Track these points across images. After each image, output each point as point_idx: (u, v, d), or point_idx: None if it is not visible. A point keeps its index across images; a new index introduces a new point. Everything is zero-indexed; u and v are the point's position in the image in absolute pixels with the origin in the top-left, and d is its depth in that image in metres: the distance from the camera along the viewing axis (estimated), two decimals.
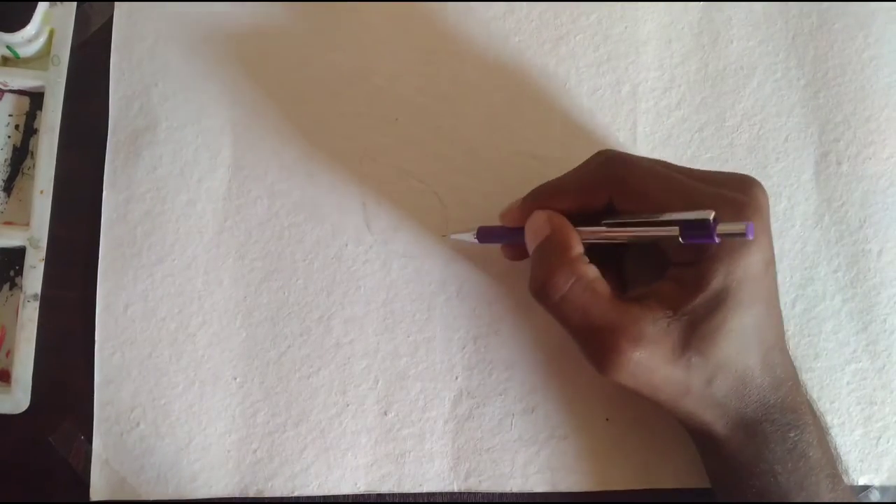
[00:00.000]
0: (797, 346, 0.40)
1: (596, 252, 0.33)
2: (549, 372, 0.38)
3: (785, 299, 0.40)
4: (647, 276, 0.33)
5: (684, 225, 0.29)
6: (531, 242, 0.33)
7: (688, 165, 0.40)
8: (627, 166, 0.32)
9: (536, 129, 0.39)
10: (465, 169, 0.39)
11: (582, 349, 0.32)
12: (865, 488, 0.39)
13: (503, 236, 0.35)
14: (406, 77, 0.39)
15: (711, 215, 0.28)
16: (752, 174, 0.40)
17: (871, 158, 0.41)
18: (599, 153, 0.34)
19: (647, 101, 0.40)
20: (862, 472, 0.39)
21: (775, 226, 0.40)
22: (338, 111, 0.39)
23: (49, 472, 0.35)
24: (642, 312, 0.30)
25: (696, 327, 0.30)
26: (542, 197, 0.34)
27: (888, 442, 0.39)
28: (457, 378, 0.37)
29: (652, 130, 0.40)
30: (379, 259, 0.38)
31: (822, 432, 0.33)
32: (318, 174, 0.38)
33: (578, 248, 0.32)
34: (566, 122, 0.40)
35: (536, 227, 0.33)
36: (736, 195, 0.31)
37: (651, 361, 0.30)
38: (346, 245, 0.38)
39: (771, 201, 0.40)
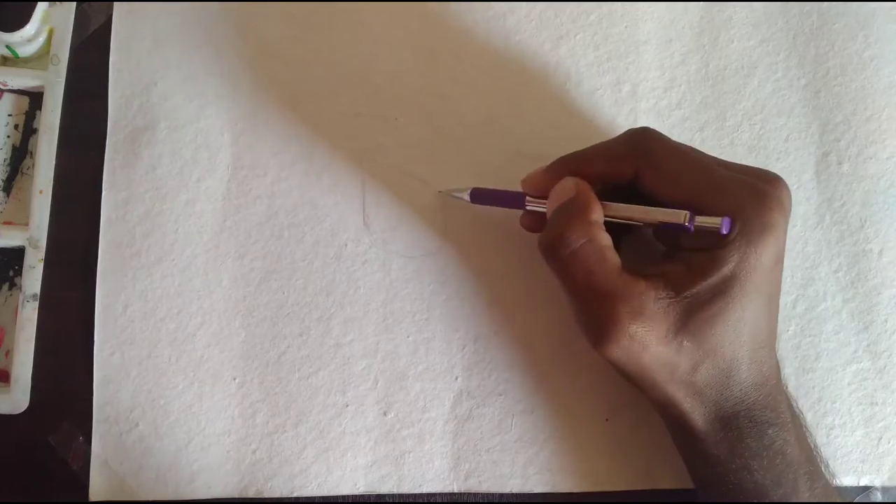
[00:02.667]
0: (798, 347, 0.39)
1: (610, 232, 0.33)
2: (549, 372, 0.38)
3: (786, 299, 0.40)
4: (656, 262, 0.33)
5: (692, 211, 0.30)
6: (553, 203, 0.33)
7: None
8: (656, 141, 0.32)
9: (536, 129, 0.39)
10: (466, 169, 0.39)
11: (579, 314, 0.32)
12: (867, 489, 0.39)
13: (500, 199, 0.35)
14: (406, 77, 0.39)
15: (722, 223, 0.29)
16: None
17: (871, 158, 0.41)
18: (631, 129, 0.34)
19: (647, 101, 0.40)
20: (863, 472, 0.39)
21: None
22: (338, 111, 0.38)
23: (48, 472, 0.35)
24: (646, 288, 0.30)
25: (695, 311, 0.30)
26: (568, 164, 0.33)
27: (889, 442, 0.39)
28: (457, 378, 0.37)
29: None
30: (378, 259, 0.38)
31: (800, 430, 0.33)
32: (317, 174, 0.38)
33: (598, 215, 0.32)
34: (566, 122, 0.40)
35: (562, 190, 0.33)
36: (760, 184, 0.31)
37: (645, 338, 0.30)
38: (346, 245, 0.38)
39: None
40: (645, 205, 0.32)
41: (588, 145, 0.39)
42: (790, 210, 0.32)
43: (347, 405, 0.37)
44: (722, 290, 0.30)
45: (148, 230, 0.37)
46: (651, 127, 0.33)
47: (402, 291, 0.38)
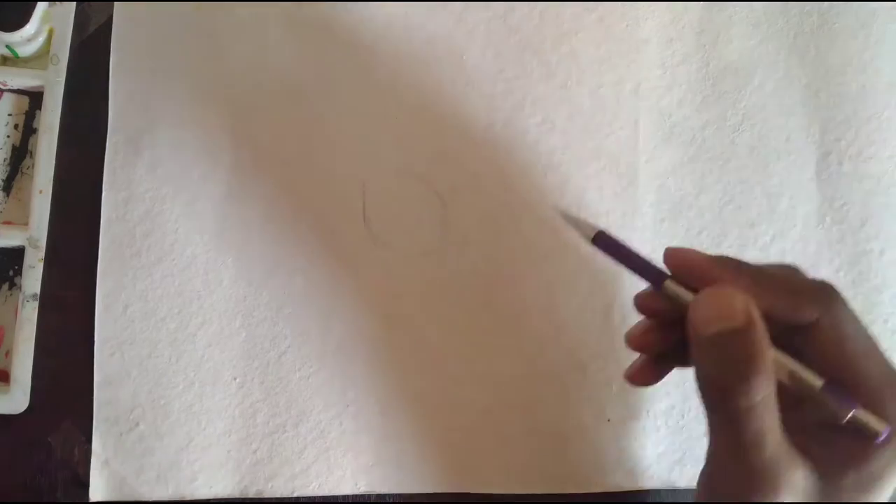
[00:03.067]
0: None
1: None
2: (551, 372, 0.38)
3: None
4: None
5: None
6: (711, 324, 0.26)
7: (689, 164, 0.40)
8: (842, 299, 0.28)
9: (537, 129, 0.39)
10: (466, 168, 0.39)
11: (727, 471, 0.27)
12: None
13: (631, 260, 0.29)
14: (406, 77, 0.39)
15: (883, 432, 0.26)
16: (754, 173, 0.40)
17: (872, 158, 0.41)
18: (820, 279, 0.29)
19: (648, 100, 0.40)
20: None
21: (776, 225, 0.40)
22: (338, 111, 0.38)
23: (49, 472, 0.35)
24: (803, 470, 0.26)
25: (834, 495, 0.27)
26: (741, 275, 0.28)
27: None
28: (457, 379, 0.37)
29: (654, 129, 0.40)
30: (379, 259, 0.38)
31: None
32: (317, 174, 0.38)
33: (771, 356, 0.26)
34: (568, 121, 0.40)
35: (728, 309, 0.26)
36: None
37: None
38: (346, 245, 0.38)
39: (773, 200, 0.40)
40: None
41: (588, 144, 0.39)
42: None
43: (348, 405, 0.37)
44: (865, 488, 0.27)
45: (148, 230, 0.37)
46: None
47: (402, 291, 0.38)
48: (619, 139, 0.40)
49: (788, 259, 0.40)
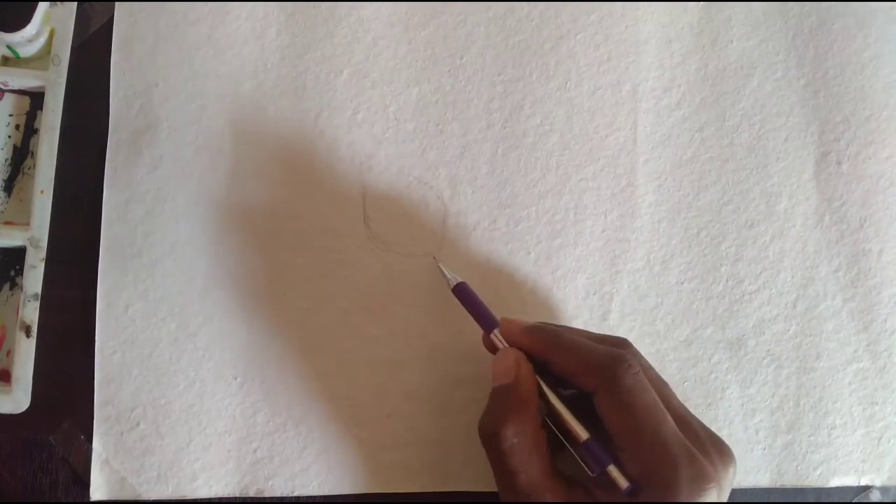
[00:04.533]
0: (798, 346, 0.40)
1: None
2: None
3: (786, 299, 0.40)
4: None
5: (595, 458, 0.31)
6: (494, 378, 0.33)
7: (688, 164, 0.40)
8: (630, 375, 0.31)
9: (537, 130, 0.39)
10: (466, 168, 0.39)
11: (501, 497, 0.32)
12: (867, 488, 0.39)
13: (476, 311, 0.35)
14: (406, 77, 0.39)
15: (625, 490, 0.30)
16: (752, 174, 0.40)
17: (871, 158, 0.41)
18: (617, 345, 0.33)
19: (647, 101, 0.40)
20: (863, 472, 0.39)
21: (775, 225, 0.40)
22: (337, 111, 0.39)
23: (50, 471, 0.35)
24: (562, 494, 0.30)
25: None
26: (547, 340, 0.33)
27: (889, 442, 0.39)
28: (458, 379, 0.37)
29: (652, 130, 0.40)
30: (379, 259, 0.38)
31: None
32: (317, 174, 0.38)
33: (534, 408, 0.32)
34: (566, 122, 0.40)
35: (504, 367, 0.33)
36: (704, 464, 0.30)
37: None
38: (346, 245, 0.38)
39: (772, 201, 0.40)
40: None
41: (587, 144, 0.39)
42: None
43: (348, 405, 0.37)
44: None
45: (149, 230, 0.37)
46: (634, 350, 0.33)
47: (402, 291, 0.38)
48: (618, 140, 0.40)
49: (788, 259, 0.40)
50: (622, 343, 0.33)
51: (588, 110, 0.40)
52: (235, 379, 0.36)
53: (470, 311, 0.35)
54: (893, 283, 0.41)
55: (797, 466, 0.39)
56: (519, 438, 0.31)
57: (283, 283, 0.37)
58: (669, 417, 0.31)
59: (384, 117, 0.39)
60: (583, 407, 0.32)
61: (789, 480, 0.39)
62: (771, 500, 0.39)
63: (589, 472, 0.31)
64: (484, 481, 0.37)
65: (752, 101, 0.41)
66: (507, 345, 0.34)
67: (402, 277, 0.38)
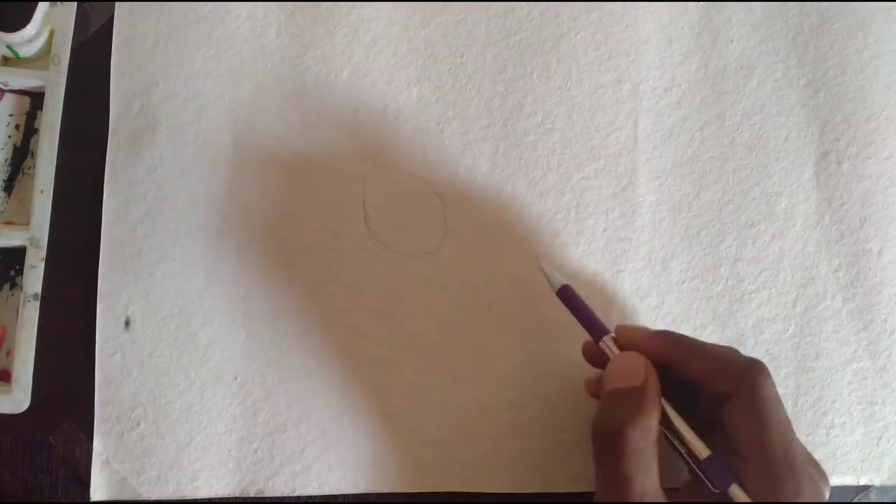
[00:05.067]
0: (798, 346, 0.40)
1: None
2: (549, 372, 0.38)
3: (786, 299, 0.40)
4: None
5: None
6: (617, 380, 0.31)
7: (689, 164, 0.40)
8: (768, 384, 0.31)
9: (537, 129, 0.39)
10: (466, 167, 0.39)
11: (600, 493, 0.31)
12: (866, 488, 0.39)
13: (582, 315, 0.34)
14: (406, 76, 0.39)
15: None
16: (753, 173, 0.40)
17: (871, 158, 0.41)
18: (752, 357, 0.32)
19: (647, 100, 0.40)
20: (863, 472, 0.39)
21: (775, 225, 0.40)
22: (337, 110, 0.39)
23: (50, 471, 0.35)
24: None
25: None
26: (675, 346, 0.32)
27: (889, 442, 0.39)
28: (457, 379, 0.37)
29: (653, 129, 0.40)
30: (379, 259, 0.38)
31: None
32: (317, 174, 0.38)
33: (657, 416, 0.31)
34: (567, 121, 0.40)
35: (631, 370, 0.31)
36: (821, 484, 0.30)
37: None
38: (346, 245, 0.38)
39: (772, 200, 0.40)
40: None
41: (587, 143, 0.39)
42: None
43: (348, 405, 0.37)
44: None
45: (149, 230, 0.37)
46: (766, 372, 0.32)
47: (402, 291, 0.38)
48: (619, 139, 0.40)
49: (788, 259, 0.40)
50: (750, 357, 0.33)
51: (589, 109, 0.40)
52: (235, 379, 0.36)
53: (577, 317, 0.34)
54: (893, 283, 0.41)
55: None
56: (645, 442, 0.30)
57: (283, 283, 0.37)
58: (794, 434, 0.30)
59: (384, 117, 0.39)
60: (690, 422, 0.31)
61: None
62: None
63: (712, 489, 0.30)
64: (484, 482, 0.37)
65: (753, 101, 0.41)
66: (618, 352, 0.33)
67: (402, 277, 0.38)
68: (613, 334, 0.33)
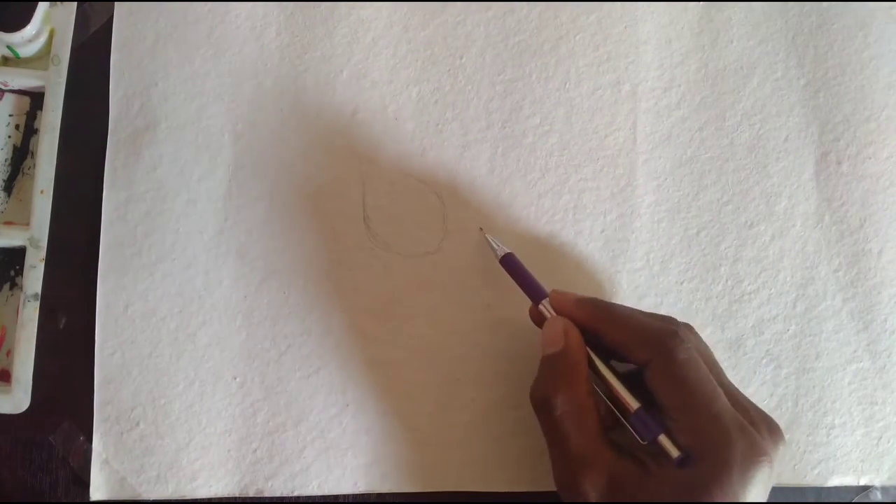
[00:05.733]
0: (798, 346, 0.40)
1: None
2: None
3: (786, 299, 0.40)
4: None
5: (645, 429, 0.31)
6: (544, 347, 0.33)
7: (688, 164, 0.40)
8: (682, 348, 0.32)
9: (536, 130, 0.39)
10: (466, 168, 0.39)
11: (553, 464, 0.33)
12: (866, 488, 0.39)
13: (523, 282, 0.35)
14: (406, 77, 0.39)
15: (676, 460, 0.30)
16: (752, 174, 0.41)
17: (871, 158, 0.41)
18: (670, 319, 0.34)
19: (647, 101, 0.40)
20: (863, 472, 0.39)
21: (775, 225, 0.40)
22: (337, 111, 0.39)
23: (50, 471, 0.35)
24: (612, 462, 0.31)
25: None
26: (597, 313, 0.33)
27: (889, 442, 0.39)
28: (458, 380, 0.37)
29: (652, 130, 0.40)
30: (379, 259, 0.38)
31: None
32: (317, 174, 0.38)
33: (583, 374, 0.32)
34: (566, 122, 0.40)
35: (553, 335, 0.33)
36: (755, 437, 0.31)
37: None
38: (346, 245, 0.38)
39: (771, 201, 0.40)
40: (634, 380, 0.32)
41: (587, 143, 0.39)
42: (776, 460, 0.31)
43: (348, 405, 0.37)
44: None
45: (149, 230, 0.37)
46: (690, 326, 0.34)
47: (402, 291, 0.38)
48: (617, 140, 0.40)
49: (787, 259, 0.40)
50: (674, 321, 0.34)
51: (587, 110, 0.40)
52: (235, 379, 0.36)
53: (518, 282, 0.36)
54: (893, 283, 0.41)
55: (795, 466, 0.39)
56: (570, 405, 0.32)
57: (283, 283, 0.37)
58: (722, 392, 0.31)
59: (384, 117, 0.39)
60: (634, 382, 0.32)
61: (787, 479, 0.39)
62: (770, 500, 0.39)
63: (640, 441, 0.31)
64: (484, 481, 0.37)
65: (752, 101, 0.41)
66: (555, 314, 0.34)
67: (402, 277, 0.38)
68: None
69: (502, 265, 0.36)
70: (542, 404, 0.32)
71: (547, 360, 0.33)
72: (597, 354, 0.33)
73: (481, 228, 0.38)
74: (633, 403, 0.32)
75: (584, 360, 0.33)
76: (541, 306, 0.35)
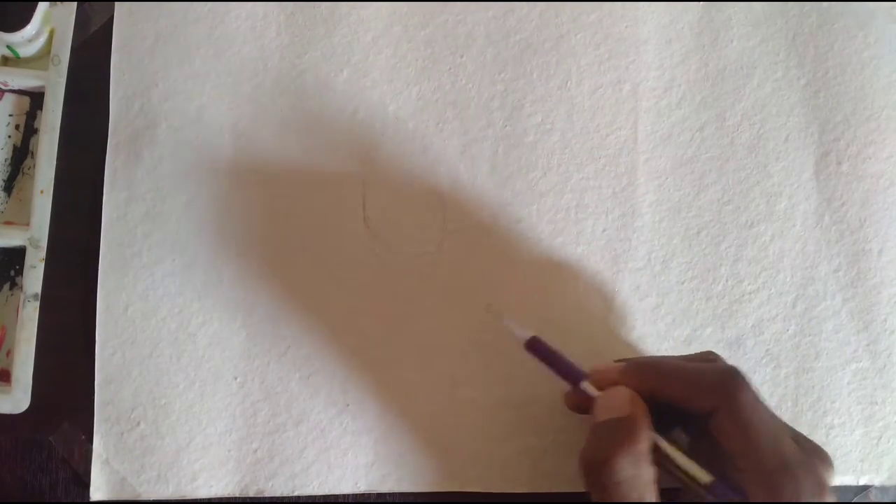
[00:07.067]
0: (798, 346, 0.40)
1: None
2: (547, 371, 0.38)
3: (785, 299, 0.40)
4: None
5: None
6: (603, 413, 0.32)
7: (689, 164, 0.40)
8: (746, 390, 0.31)
9: (537, 129, 0.39)
10: (466, 168, 0.39)
11: None
12: (866, 488, 0.39)
13: (556, 363, 0.33)
14: (406, 76, 0.39)
15: None
16: (753, 173, 0.40)
17: (871, 158, 0.41)
18: (724, 364, 0.33)
19: (647, 100, 0.40)
20: (862, 471, 0.39)
21: (775, 225, 0.40)
22: (337, 111, 0.39)
23: (50, 471, 0.35)
24: None
25: None
26: (647, 374, 0.32)
27: (888, 442, 0.39)
28: (457, 382, 0.37)
29: (652, 129, 0.40)
30: (379, 259, 0.38)
31: None
32: (317, 174, 0.38)
33: (647, 444, 0.30)
34: (567, 121, 0.40)
35: (614, 403, 0.31)
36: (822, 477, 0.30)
37: None
38: (346, 245, 0.38)
39: (772, 200, 0.40)
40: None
41: (587, 143, 0.39)
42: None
43: (348, 405, 0.37)
44: None
45: (149, 230, 0.37)
46: (741, 371, 0.32)
47: (402, 291, 0.38)
48: (618, 139, 0.40)
49: (788, 259, 0.40)
50: (719, 359, 0.33)
51: (589, 109, 0.40)
52: (235, 379, 0.36)
53: (550, 367, 0.34)
54: (893, 283, 0.41)
55: None
56: (634, 470, 0.29)
57: (283, 283, 0.37)
58: (784, 427, 0.31)
59: (384, 117, 0.39)
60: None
61: None
62: None
63: None
64: (484, 481, 0.37)
65: (753, 101, 0.41)
66: (599, 393, 0.32)
67: (402, 277, 0.38)
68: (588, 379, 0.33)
69: (528, 351, 0.34)
70: (597, 467, 0.30)
71: (604, 424, 0.31)
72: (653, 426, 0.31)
73: (491, 305, 0.37)
74: (705, 476, 0.30)
75: (649, 426, 0.31)
76: (583, 386, 0.33)
